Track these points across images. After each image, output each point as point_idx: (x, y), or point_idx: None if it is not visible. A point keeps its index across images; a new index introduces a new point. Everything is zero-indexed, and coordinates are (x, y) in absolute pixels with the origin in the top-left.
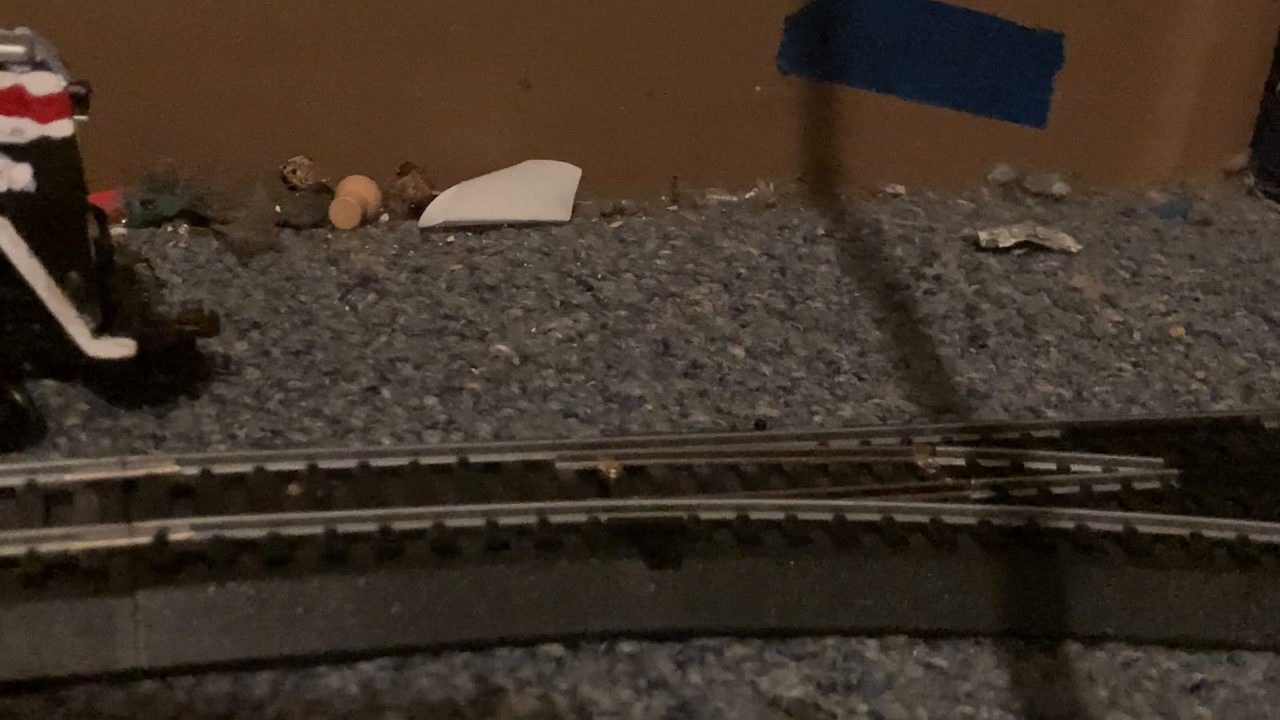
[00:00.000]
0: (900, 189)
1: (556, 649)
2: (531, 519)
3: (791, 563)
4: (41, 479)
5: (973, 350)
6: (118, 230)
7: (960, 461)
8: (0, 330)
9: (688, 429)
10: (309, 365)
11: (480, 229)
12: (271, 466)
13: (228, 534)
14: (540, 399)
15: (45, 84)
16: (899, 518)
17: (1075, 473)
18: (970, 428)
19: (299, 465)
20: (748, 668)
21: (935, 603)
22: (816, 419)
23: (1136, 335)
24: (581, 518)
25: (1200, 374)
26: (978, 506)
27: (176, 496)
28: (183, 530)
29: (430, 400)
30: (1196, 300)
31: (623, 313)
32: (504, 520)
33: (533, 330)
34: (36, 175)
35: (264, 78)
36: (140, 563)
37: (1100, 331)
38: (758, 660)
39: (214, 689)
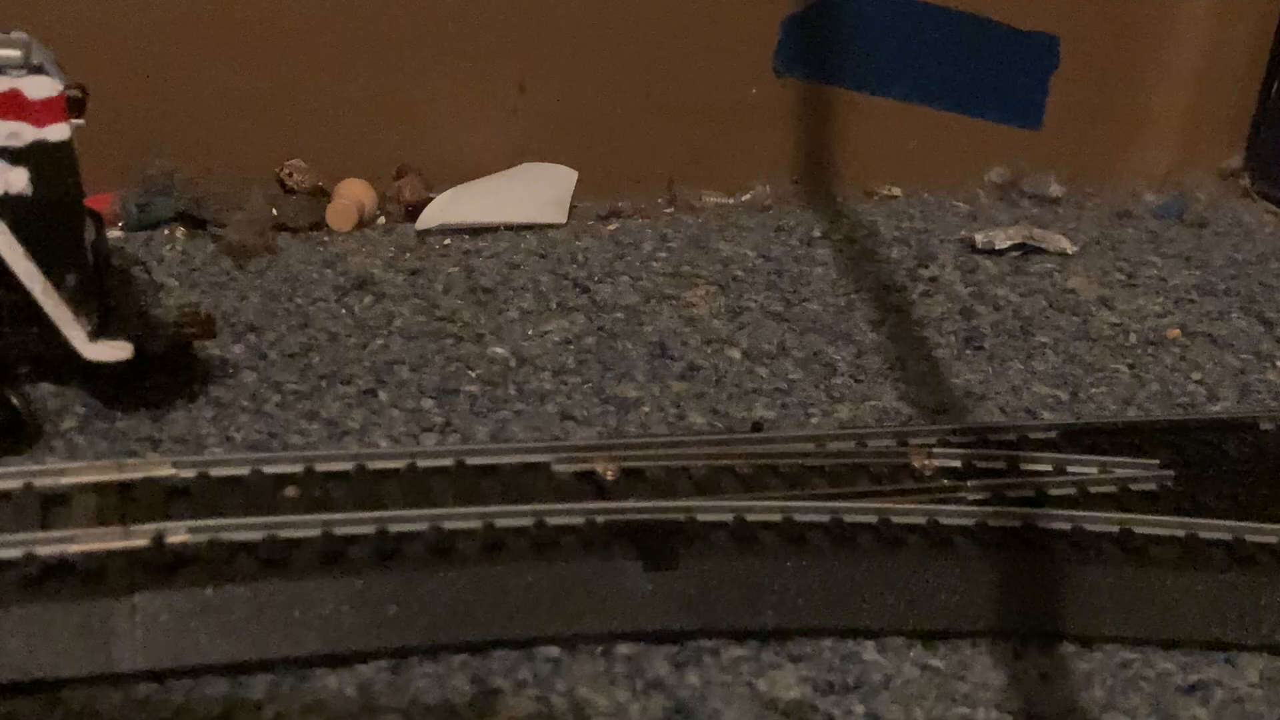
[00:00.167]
0: (896, 191)
1: (554, 650)
2: (529, 521)
3: (788, 564)
4: (38, 482)
5: (969, 352)
6: (114, 233)
7: (957, 463)
8: None
9: (684, 431)
10: (306, 368)
11: (477, 231)
12: (268, 469)
13: (225, 536)
14: (537, 401)
15: (42, 88)
16: (896, 519)
17: (1071, 474)
18: (966, 429)
19: (296, 467)
20: (745, 669)
21: (932, 604)
22: (813, 420)
23: (1132, 337)
24: (579, 519)
25: (1196, 375)
26: (974, 508)
27: (173, 499)
28: (180, 532)
29: (427, 402)
30: (1192, 301)
31: (619, 315)
32: (501, 522)
33: (529, 332)
34: (33, 179)
35: (260, 81)
36: (137, 565)
37: (1096, 333)
38: (755, 661)
39: (211, 691)
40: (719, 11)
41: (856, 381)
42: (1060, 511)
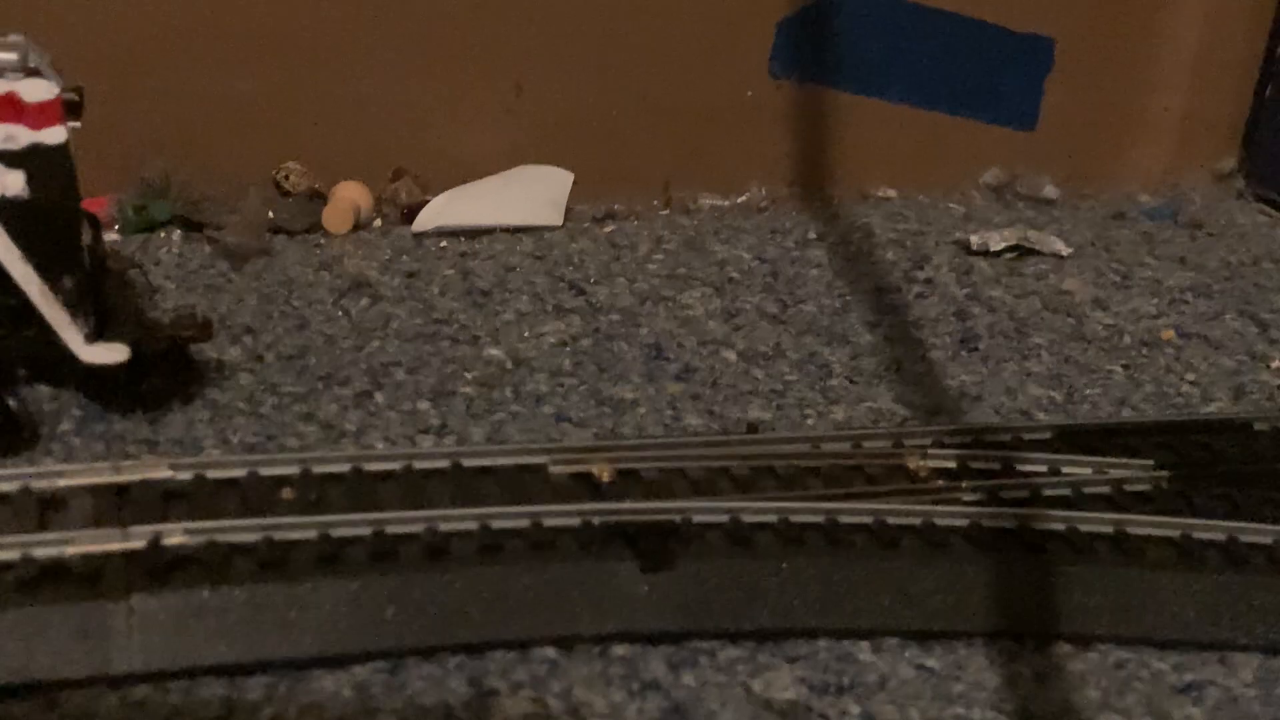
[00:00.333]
0: (891, 192)
1: (550, 651)
2: (525, 522)
3: (784, 565)
4: (35, 484)
5: (964, 353)
6: (111, 236)
7: (952, 464)
8: None
9: (680, 432)
10: (302, 370)
11: (473, 233)
12: (265, 471)
13: (221, 538)
14: (533, 403)
15: (38, 91)
16: (891, 520)
17: (1066, 475)
18: (961, 430)
19: (292, 469)
20: (741, 669)
21: (927, 604)
22: (809, 422)
23: (1127, 338)
24: (575, 521)
25: (1190, 376)
26: (969, 508)
27: (170, 501)
28: (176, 534)
29: (423, 404)
30: (1187, 303)
31: (615, 316)
32: (497, 524)
33: (525, 334)
34: (30, 182)
35: (256, 84)
36: (134, 567)
37: (1091, 334)
38: (751, 662)
39: (208, 692)
40: (715, 14)
41: (852, 383)
42: (1055, 512)
